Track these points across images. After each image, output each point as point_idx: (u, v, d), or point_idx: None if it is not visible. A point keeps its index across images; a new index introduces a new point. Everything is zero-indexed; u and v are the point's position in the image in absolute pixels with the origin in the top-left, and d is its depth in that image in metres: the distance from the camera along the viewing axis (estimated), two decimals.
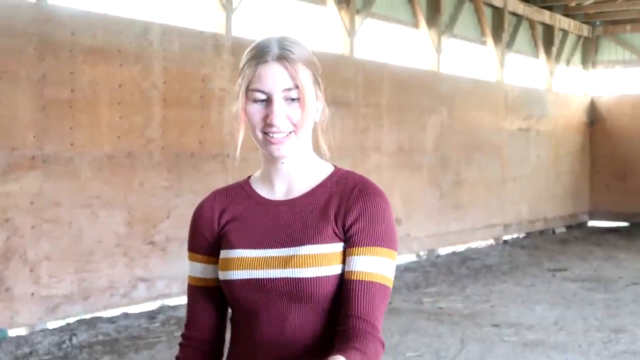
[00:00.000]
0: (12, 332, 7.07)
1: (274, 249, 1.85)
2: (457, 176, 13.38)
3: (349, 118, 10.85)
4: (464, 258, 12.52)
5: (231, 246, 1.89)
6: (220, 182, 8.26)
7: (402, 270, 10.93)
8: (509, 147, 14.99)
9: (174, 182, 8.32)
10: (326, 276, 1.81)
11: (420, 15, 12.69)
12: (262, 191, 1.94)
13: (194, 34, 8.64)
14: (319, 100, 1.89)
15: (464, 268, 11.56)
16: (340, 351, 1.69)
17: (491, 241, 14.51)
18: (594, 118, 18.41)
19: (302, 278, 1.80)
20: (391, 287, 1.85)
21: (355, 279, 1.80)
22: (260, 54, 1.83)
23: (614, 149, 18.20)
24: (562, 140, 17.20)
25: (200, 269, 1.97)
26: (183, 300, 8.00)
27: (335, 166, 1.96)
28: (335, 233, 1.84)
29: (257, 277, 1.83)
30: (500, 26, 14.73)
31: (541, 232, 16.28)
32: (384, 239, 1.83)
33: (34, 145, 7.04)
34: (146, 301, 8.14)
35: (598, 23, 18.31)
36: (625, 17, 17.54)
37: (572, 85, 18.17)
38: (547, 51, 16.73)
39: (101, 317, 7.64)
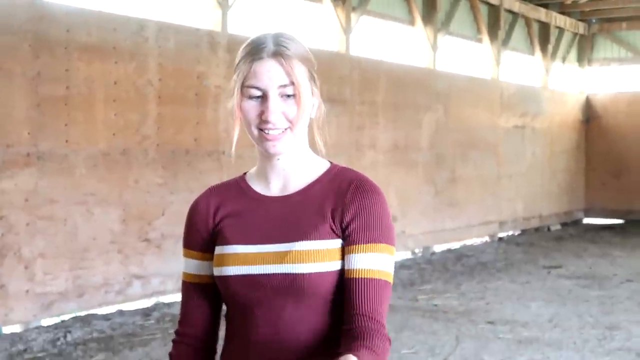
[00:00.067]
0: (7, 329, 7.06)
1: (270, 245, 1.84)
2: (452, 173, 13.39)
3: (344, 115, 10.84)
4: (459, 255, 12.53)
5: (226, 242, 1.88)
6: (216, 179, 8.25)
7: (397, 267, 10.93)
8: (505, 145, 15.00)
9: (169, 180, 8.31)
10: (322, 272, 1.80)
11: (416, 12, 12.69)
12: (258, 187, 1.93)
13: (189, 31, 8.63)
14: (315, 96, 1.89)
15: (459, 265, 11.57)
16: (349, 350, 1.69)
17: (486, 238, 14.52)
18: (590, 116, 18.43)
19: (298, 274, 1.80)
20: (392, 282, 1.85)
21: (356, 276, 1.80)
22: (255, 50, 1.82)
23: (609, 147, 18.23)
24: (558, 138, 17.22)
25: (195, 266, 1.96)
26: (178, 297, 7.99)
27: (331, 162, 1.96)
28: (332, 230, 1.83)
29: (252, 272, 1.83)
30: (496, 24, 14.74)
31: (536, 230, 16.30)
32: (382, 235, 1.83)
33: (28, 142, 7.03)
34: (141, 298, 8.14)
35: (594, 21, 18.33)
36: (621, 15, 17.57)
37: (568, 82, 18.19)
38: (543, 49, 16.74)
39: (96, 314, 7.63)
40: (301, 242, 1.82)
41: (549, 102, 16.74)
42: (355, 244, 1.82)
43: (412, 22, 12.79)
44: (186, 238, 1.98)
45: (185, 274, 1.98)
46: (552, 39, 16.98)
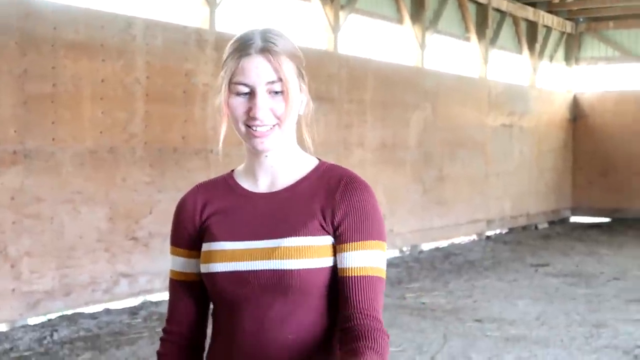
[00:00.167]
0: None
1: (257, 241, 1.83)
2: (440, 172, 13.40)
3: (332, 114, 10.84)
4: (447, 253, 12.55)
5: (214, 239, 1.87)
6: (203, 177, 8.17)
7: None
8: (492, 143, 15.03)
9: (157, 178, 8.28)
10: (311, 269, 1.79)
11: (405, 11, 12.70)
12: (246, 184, 1.92)
13: (177, 28, 8.60)
14: (303, 93, 1.88)
15: (446, 263, 11.58)
16: (355, 353, 1.69)
17: (474, 237, 14.55)
18: (577, 115, 18.49)
19: (286, 270, 1.79)
20: (385, 278, 1.85)
21: (350, 275, 1.79)
22: (243, 47, 1.80)
23: (597, 146, 18.30)
24: (545, 137, 17.27)
25: (181, 263, 1.95)
26: (165, 296, 7.97)
27: (319, 159, 1.95)
28: (322, 227, 1.83)
29: (240, 269, 1.82)
30: (484, 22, 14.76)
31: (524, 228, 16.35)
32: (374, 232, 1.83)
33: (15, 140, 6.98)
34: (128, 297, 8.11)
35: (581, 20, 18.39)
36: (609, 14, 17.64)
37: (555, 81, 18.24)
38: (531, 47, 16.79)
39: (83, 312, 7.60)
40: (290, 238, 1.81)
41: (536, 101, 16.78)
42: (348, 242, 1.81)
43: (400, 21, 12.80)
44: (173, 236, 1.97)
45: (173, 272, 1.97)
46: (540, 37, 17.03)
